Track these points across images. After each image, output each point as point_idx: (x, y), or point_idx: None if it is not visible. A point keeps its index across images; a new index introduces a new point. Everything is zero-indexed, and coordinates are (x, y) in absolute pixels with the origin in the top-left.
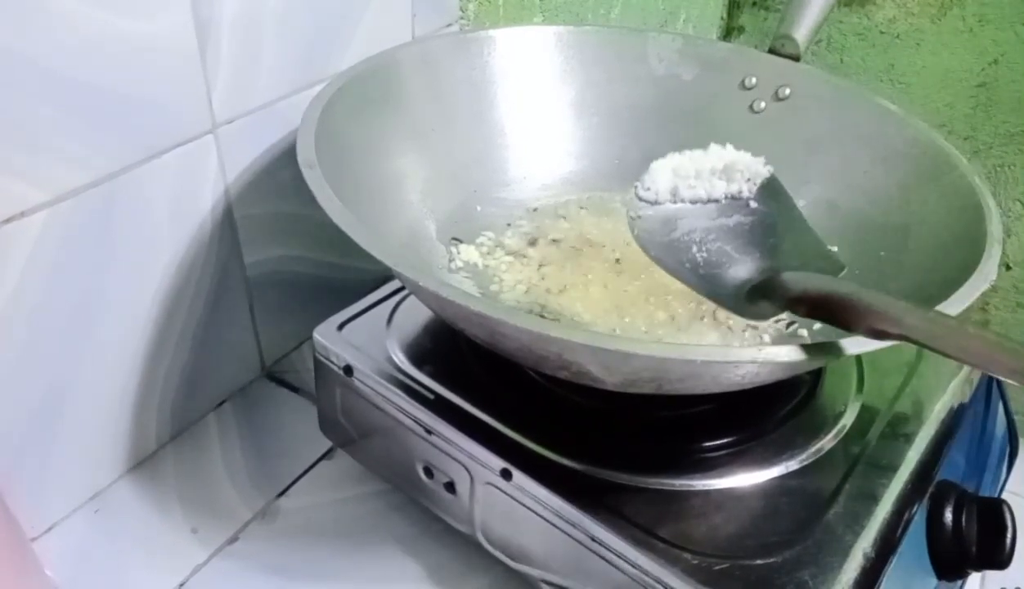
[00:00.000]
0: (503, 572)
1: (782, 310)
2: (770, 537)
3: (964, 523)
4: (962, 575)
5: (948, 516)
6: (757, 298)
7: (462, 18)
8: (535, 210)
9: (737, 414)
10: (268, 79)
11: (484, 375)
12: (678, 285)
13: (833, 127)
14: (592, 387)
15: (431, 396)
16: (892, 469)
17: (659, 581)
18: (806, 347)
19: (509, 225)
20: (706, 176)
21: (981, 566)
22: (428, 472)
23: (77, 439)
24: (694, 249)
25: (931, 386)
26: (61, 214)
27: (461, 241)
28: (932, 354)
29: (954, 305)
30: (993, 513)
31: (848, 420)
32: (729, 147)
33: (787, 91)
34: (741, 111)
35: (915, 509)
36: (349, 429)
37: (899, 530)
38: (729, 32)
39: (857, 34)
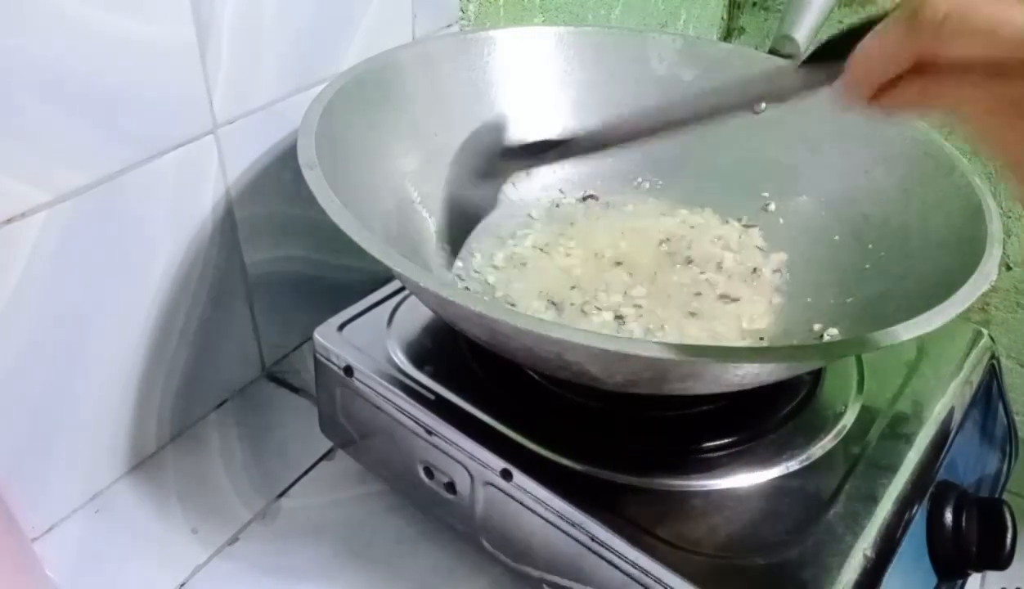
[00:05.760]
0: (503, 572)
1: None
2: (770, 537)
3: (964, 523)
4: (962, 575)
5: (948, 516)
6: None
7: (462, 19)
8: (535, 210)
9: (737, 414)
10: (268, 79)
11: (484, 375)
12: (679, 285)
13: (833, 127)
14: (592, 387)
15: (431, 396)
16: (892, 469)
17: (659, 581)
18: (806, 347)
19: (510, 225)
20: None
21: (981, 566)
22: (428, 472)
23: (77, 439)
24: None
25: (931, 386)
26: (61, 214)
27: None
28: (932, 354)
29: (954, 305)
30: (993, 513)
31: (848, 420)
32: None
33: None
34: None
35: (915, 509)
36: (349, 429)
37: (899, 530)
38: (729, 33)
39: None
